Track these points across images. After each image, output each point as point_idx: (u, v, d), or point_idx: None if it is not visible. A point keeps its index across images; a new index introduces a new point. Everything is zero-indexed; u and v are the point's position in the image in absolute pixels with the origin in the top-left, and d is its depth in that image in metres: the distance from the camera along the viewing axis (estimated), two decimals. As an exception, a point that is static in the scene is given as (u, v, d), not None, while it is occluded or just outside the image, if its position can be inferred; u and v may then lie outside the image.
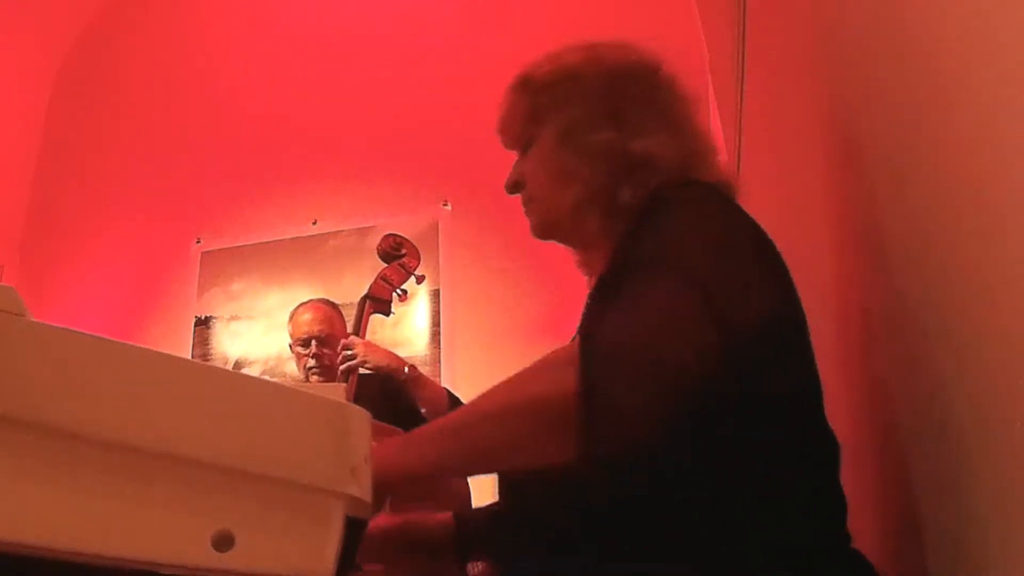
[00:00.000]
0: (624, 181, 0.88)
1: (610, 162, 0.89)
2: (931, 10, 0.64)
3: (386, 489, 0.77)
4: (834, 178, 1.07)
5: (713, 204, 0.82)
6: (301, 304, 2.31)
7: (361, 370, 2.02)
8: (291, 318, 2.28)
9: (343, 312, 2.32)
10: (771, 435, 0.72)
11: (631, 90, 0.93)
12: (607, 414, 0.66)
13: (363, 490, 0.45)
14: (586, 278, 1.06)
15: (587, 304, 0.91)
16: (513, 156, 1.03)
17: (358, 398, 1.95)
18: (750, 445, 0.70)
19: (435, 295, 2.89)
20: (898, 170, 0.77)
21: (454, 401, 2.05)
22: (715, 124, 2.18)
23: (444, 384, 2.35)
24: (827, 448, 0.77)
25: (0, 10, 3.35)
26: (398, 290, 2.11)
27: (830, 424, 0.77)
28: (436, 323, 2.86)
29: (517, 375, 0.75)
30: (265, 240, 3.19)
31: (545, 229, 0.98)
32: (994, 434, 0.59)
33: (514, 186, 1.00)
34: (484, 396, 0.77)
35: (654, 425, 0.66)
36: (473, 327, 2.82)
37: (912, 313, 0.77)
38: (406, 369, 1.98)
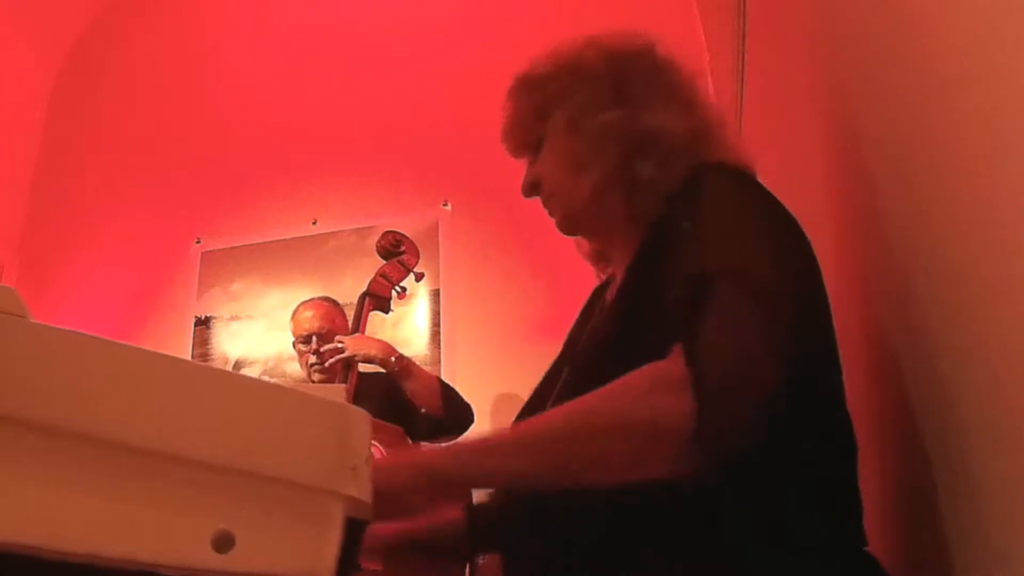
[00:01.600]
0: (639, 157, 0.86)
1: (621, 140, 0.88)
2: (931, 5, 0.64)
3: (448, 490, 0.76)
4: (835, 176, 1.07)
5: (750, 192, 0.81)
6: (302, 302, 2.32)
7: (361, 367, 2.03)
8: (293, 316, 2.29)
9: (344, 312, 2.33)
10: (795, 427, 0.71)
11: (632, 69, 0.92)
12: (720, 439, 0.65)
13: (363, 491, 0.45)
14: (599, 269, 1.05)
15: (621, 298, 0.89)
16: (515, 160, 1.02)
17: (359, 395, 1.95)
18: (772, 436, 0.68)
19: (435, 295, 2.89)
20: (899, 167, 0.77)
21: (447, 390, 2.05)
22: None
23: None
24: (847, 440, 0.76)
25: (0, 10, 3.35)
26: (397, 287, 2.12)
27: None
28: (436, 323, 2.86)
29: (612, 392, 0.69)
30: (265, 240, 3.18)
31: (569, 223, 0.97)
32: (997, 432, 0.59)
33: (531, 188, 0.98)
34: (575, 412, 0.70)
35: (752, 440, 0.66)
36: (473, 327, 2.82)
37: (914, 309, 0.77)
38: (393, 359, 1.97)
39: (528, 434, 0.72)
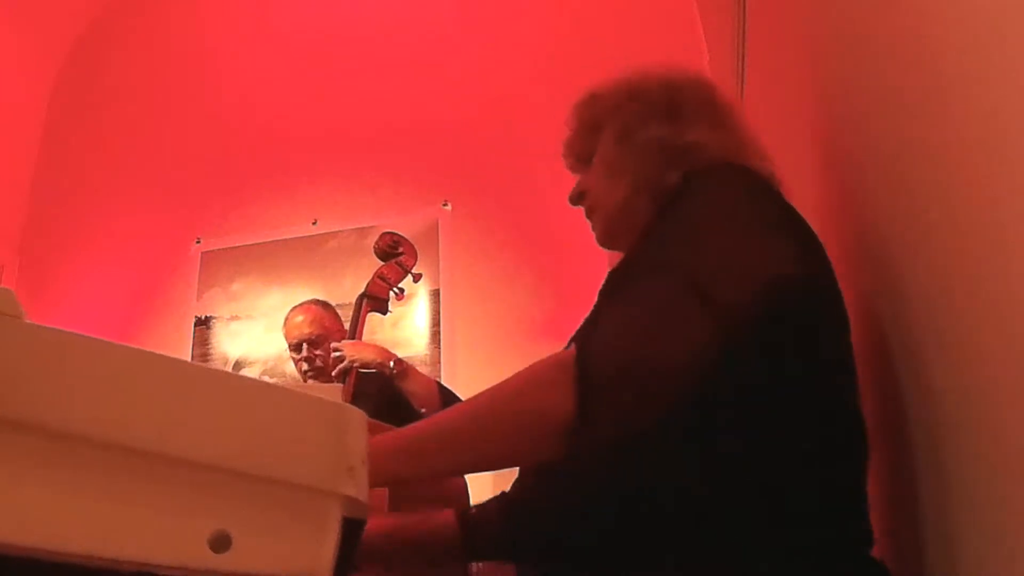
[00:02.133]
0: (673, 167, 0.89)
1: (663, 152, 0.91)
2: (930, 4, 0.64)
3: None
4: (834, 177, 1.07)
5: (734, 183, 0.82)
6: (293, 307, 2.30)
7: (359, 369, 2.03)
8: (284, 323, 2.28)
9: (343, 312, 2.32)
10: (791, 423, 0.71)
11: (687, 94, 0.96)
12: (603, 426, 0.69)
13: (360, 491, 0.45)
14: None
15: (597, 301, 0.92)
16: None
17: (357, 395, 1.95)
18: (767, 436, 0.69)
19: (435, 295, 2.89)
20: (897, 168, 0.77)
21: (445, 393, 2.05)
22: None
23: (444, 384, 2.35)
24: (853, 442, 0.76)
25: (0, 10, 3.35)
26: (395, 288, 2.12)
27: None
28: (436, 323, 2.86)
29: (508, 384, 0.77)
30: (265, 240, 3.19)
31: (607, 234, 1.00)
32: (990, 432, 0.59)
33: (577, 197, 1.02)
34: (474, 404, 0.79)
35: (646, 426, 0.68)
36: (473, 327, 2.82)
37: (910, 309, 0.77)
38: (391, 364, 1.98)
39: (432, 432, 0.80)
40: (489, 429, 0.76)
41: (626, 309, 0.74)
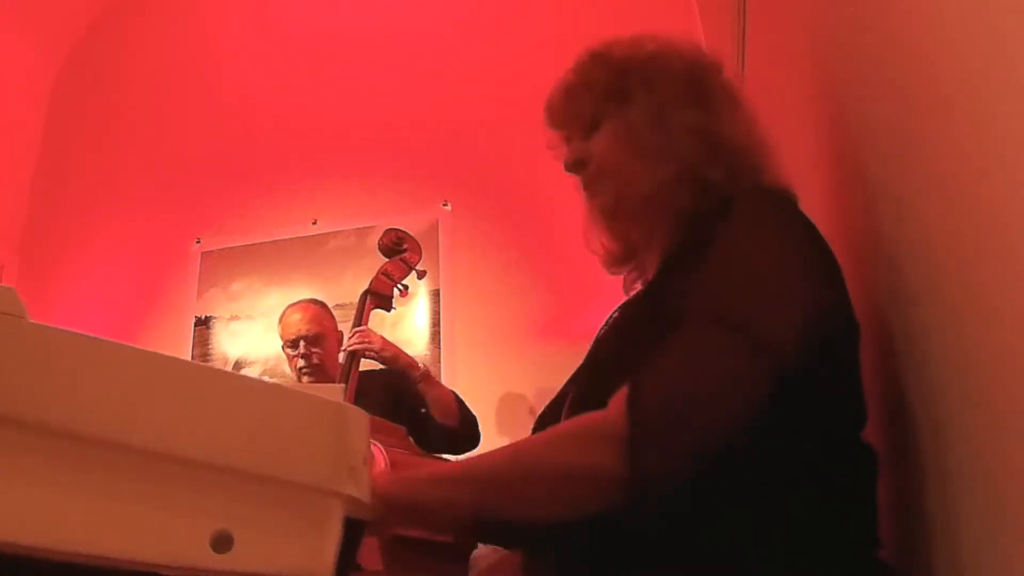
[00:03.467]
0: (713, 161, 0.88)
1: (701, 140, 0.89)
2: (930, 7, 0.64)
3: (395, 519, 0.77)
4: (834, 177, 1.07)
5: (769, 216, 0.81)
6: (290, 305, 2.31)
7: (368, 365, 2.04)
8: (280, 320, 2.28)
9: (343, 312, 2.32)
10: (810, 450, 0.72)
11: (712, 78, 0.94)
12: (652, 486, 0.68)
13: (361, 491, 0.45)
14: (623, 273, 1.03)
15: (622, 319, 0.91)
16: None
17: (360, 393, 1.95)
18: (777, 439, 0.70)
19: (435, 295, 2.89)
20: (897, 168, 0.77)
21: (461, 405, 2.06)
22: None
23: (444, 384, 2.35)
24: (866, 463, 0.77)
25: (0, 11, 3.35)
26: (399, 285, 2.12)
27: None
28: (436, 323, 2.86)
29: (552, 435, 0.77)
30: (265, 240, 3.18)
31: (618, 206, 0.93)
32: (991, 432, 0.59)
33: (577, 165, 0.96)
34: (518, 450, 0.78)
35: (702, 470, 0.68)
36: (473, 327, 2.82)
37: (909, 309, 0.77)
38: (421, 367, 2.02)
39: (473, 473, 0.78)
40: (532, 476, 0.74)
41: (674, 359, 0.71)
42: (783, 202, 0.83)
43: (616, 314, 0.99)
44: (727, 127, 0.89)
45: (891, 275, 0.83)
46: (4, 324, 0.38)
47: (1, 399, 0.37)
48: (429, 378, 2.03)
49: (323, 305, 2.31)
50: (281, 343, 2.26)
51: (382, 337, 2.03)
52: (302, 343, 2.17)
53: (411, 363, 2.02)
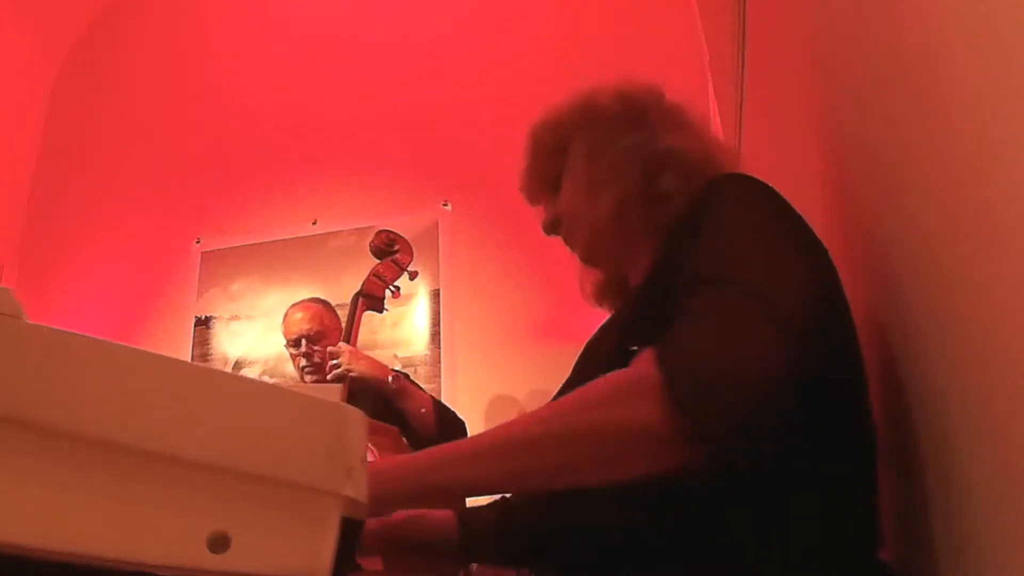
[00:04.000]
0: (659, 172, 0.89)
1: (642, 160, 0.90)
2: (930, 8, 0.64)
3: (407, 504, 0.75)
4: (833, 177, 1.07)
5: (763, 199, 0.82)
6: (293, 304, 2.31)
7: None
8: (283, 319, 2.29)
9: (343, 312, 2.33)
10: (811, 431, 0.71)
11: (645, 102, 0.96)
12: (707, 429, 0.64)
13: (359, 491, 0.45)
14: (606, 307, 1.04)
15: (636, 298, 0.90)
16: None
17: (353, 395, 1.95)
18: (791, 443, 0.69)
19: (435, 295, 2.89)
20: (897, 169, 0.77)
21: (441, 412, 2.03)
22: (715, 124, 2.18)
23: (444, 384, 2.35)
24: (867, 443, 0.76)
25: (1, 10, 3.35)
26: (391, 286, 2.11)
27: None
28: (436, 323, 2.86)
29: (589, 395, 0.70)
30: (265, 240, 3.19)
31: (592, 251, 0.97)
32: (990, 435, 0.59)
33: (551, 226, 1.00)
34: (541, 416, 0.71)
35: (747, 438, 0.65)
36: (473, 327, 2.82)
37: (908, 311, 0.77)
38: (390, 379, 1.96)
39: (494, 442, 0.72)
40: (567, 437, 0.68)
41: (693, 319, 0.69)
42: (758, 183, 0.84)
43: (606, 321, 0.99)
44: (671, 139, 0.91)
45: (890, 274, 0.83)
46: (2, 325, 0.38)
47: (0, 399, 0.37)
48: (401, 391, 1.98)
49: (326, 304, 2.31)
50: (284, 342, 2.27)
51: (350, 350, 1.98)
52: (304, 342, 2.17)
53: (381, 378, 1.96)
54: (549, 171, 0.99)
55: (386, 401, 1.98)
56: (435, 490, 0.73)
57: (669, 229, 0.86)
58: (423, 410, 1.98)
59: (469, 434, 2.07)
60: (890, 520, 0.83)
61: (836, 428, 0.74)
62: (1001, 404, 0.56)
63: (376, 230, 2.21)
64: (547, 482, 0.72)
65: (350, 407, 0.47)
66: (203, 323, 3.16)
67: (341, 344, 2.00)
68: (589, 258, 0.99)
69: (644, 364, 0.67)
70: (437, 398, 2.16)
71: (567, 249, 1.03)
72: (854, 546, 0.73)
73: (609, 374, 0.70)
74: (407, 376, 2.15)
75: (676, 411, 0.63)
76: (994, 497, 0.60)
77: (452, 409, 2.11)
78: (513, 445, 0.70)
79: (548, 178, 0.99)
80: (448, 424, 2.03)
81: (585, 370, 0.90)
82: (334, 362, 1.96)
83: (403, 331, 2.85)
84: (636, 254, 0.94)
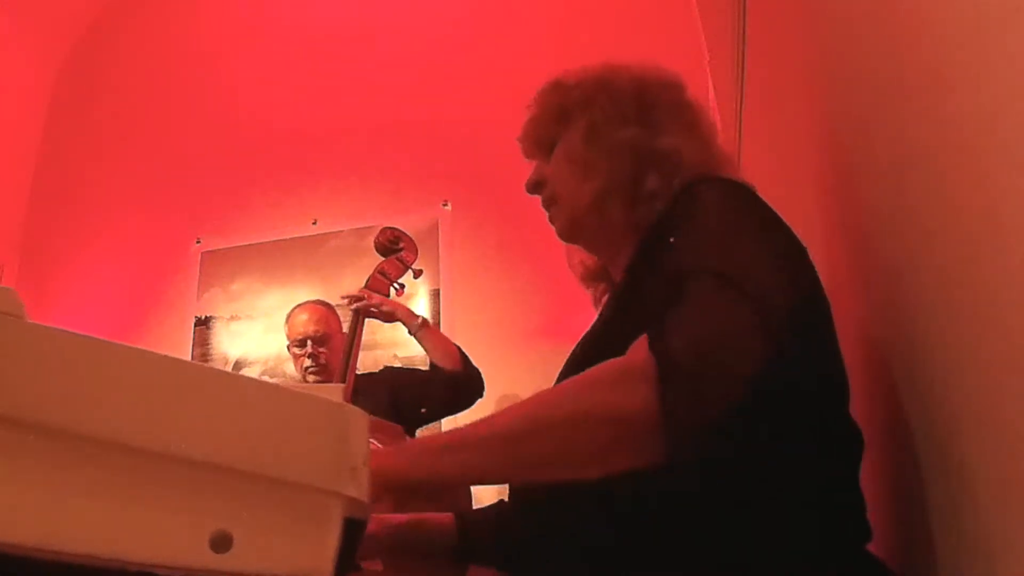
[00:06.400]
0: (648, 172, 0.89)
1: (635, 156, 0.90)
2: (931, 10, 0.64)
3: (408, 493, 0.75)
4: (833, 177, 1.07)
5: (745, 199, 0.82)
6: (297, 305, 2.32)
7: (359, 368, 2.04)
8: (287, 319, 2.29)
9: (344, 312, 2.33)
10: (795, 426, 0.71)
11: (659, 96, 0.95)
12: (689, 421, 0.64)
13: (362, 491, 0.45)
14: (593, 290, 1.05)
15: (615, 300, 0.91)
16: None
17: (359, 393, 1.96)
18: (775, 438, 0.69)
19: (435, 295, 2.89)
20: (897, 170, 0.77)
21: (464, 355, 2.10)
22: (715, 124, 2.18)
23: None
24: (850, 441, 0.76)
25: (1, 10, 3.35)
26: (396, 284, 2.12)
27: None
28: (436, 323, 2.86)
29: (572, 385, 0.71)
30: (265, 240, 3.19)
31: (572, 228, 0.98)
32: (990, 432, 0.59)
33: (535, 185, 1.01)
34: (532, 404, 0.71)
35: (723, 430, 0.65)
36: (473, 327, 2.82)
37: (908, 310, 0.77)
38: (419, 319, 2.04)
39: (488, 430, 0.71)
40: (556, 427, 0.68)
41: (685, 307, 0.69)
42: (735, 185, 0.84)
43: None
44: (672, 142, 0.90)
45: (889, 275, 0.83)
46: (2, 324, 0.38)
47: (1, 399, 0.37)
48: (427, 326, 2.06)
49: (330, 306, 2.33)
50: (287, 342, 2.27)
51: (380, 296, 2.05)
52: (309, 343, 2.18)
53: (408, 314, 2.05)
54: (547, 134, 0.99)
55: (391, 399, 2.00)
56: (441, 477, 0.73)
57: (649, 229, 0.87)
58: (450, 347, 2.06)
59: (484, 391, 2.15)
60: (890, 520, 0.83)
61: (816, 420, 0.74)
62: (1002, 403, 0.56)
63: (377, 230, 2.21)
64: (537, 472, 0.73)
65: (353, 407, 0.47)
66: (203, 323, 3.16)
67: (369, 291, 2.05)
68: (565, 236, 1.00)
69: (635, 352, 0.68)
70: None
71: (563, 247, 1.04)
72: (841, 538, 0.73)
73: (599, 365, 0.70)
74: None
75: (660, 397, 0.64)
76: (994, 497, 0.60)
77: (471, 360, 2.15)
78: (498, 435, 0.70)
79: (545, 140, 1.00)
80: (470, 366, 2.10)
81: (568, 374, 0.90)
82: (368, 301, 2.00)
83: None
84: (613, 247, 0.96)
